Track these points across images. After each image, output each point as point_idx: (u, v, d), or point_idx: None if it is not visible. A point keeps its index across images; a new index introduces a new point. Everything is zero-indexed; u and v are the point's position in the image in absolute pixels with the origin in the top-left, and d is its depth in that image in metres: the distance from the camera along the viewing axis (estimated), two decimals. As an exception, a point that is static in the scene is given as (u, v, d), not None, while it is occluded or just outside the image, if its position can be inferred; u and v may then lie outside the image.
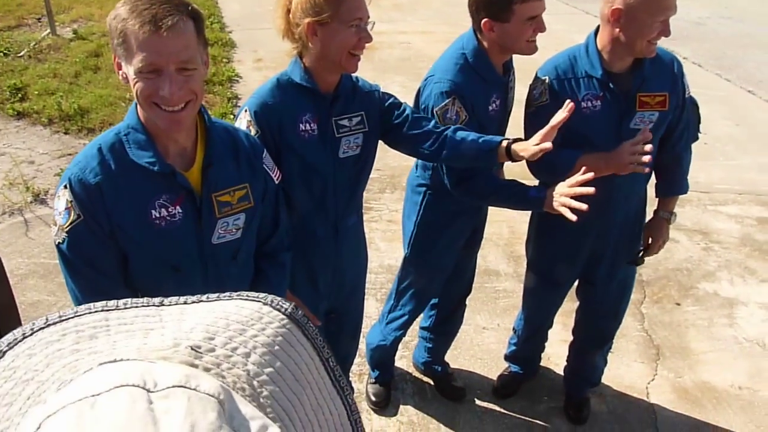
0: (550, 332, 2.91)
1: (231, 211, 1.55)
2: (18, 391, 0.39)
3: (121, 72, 1.37)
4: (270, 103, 1.85)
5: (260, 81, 6.51)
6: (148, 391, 0.35)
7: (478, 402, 2.90)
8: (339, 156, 1.96)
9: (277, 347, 0.44)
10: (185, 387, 0.36)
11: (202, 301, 0.47)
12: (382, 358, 2.83)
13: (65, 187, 1.41)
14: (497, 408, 2.87)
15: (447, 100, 2.11)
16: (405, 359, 3.09)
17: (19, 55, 6.72)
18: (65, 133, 5.22)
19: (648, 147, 1.99)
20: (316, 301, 2.14)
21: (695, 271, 3.89)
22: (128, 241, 1.46)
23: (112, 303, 0.45)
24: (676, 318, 3.48)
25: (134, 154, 1.42)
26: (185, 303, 0.47)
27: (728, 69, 7.38)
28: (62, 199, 1.42)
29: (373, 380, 2.88)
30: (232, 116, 5.45)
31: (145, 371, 0.36)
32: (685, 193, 2.49)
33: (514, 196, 2.16)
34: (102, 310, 0.45)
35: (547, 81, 2.22)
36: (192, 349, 0.41)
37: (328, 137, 1.92)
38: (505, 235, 4.11)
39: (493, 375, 3.01)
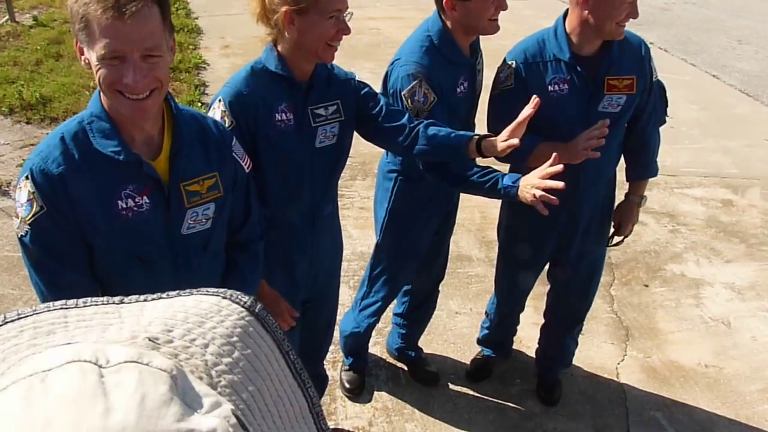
0: (521, 315, 2.94)
1: (200, 201, 1.51)
2: None
3: (83, 57, 1.32)
4: (245, 92, 1.81)
5: (228, 68, 6.44)
6: (100, 366, 0.35)
7: (451, 386, 2.92)
8: (316, 146, 1.93)
9: (235, 338, 0.44)
10: (137, 362, 0.36)
11: (162, 297, 0.47)
12: (356, 345, 2.83)
13: (27, 177, 1.36)
14: (471, 391, 2.90)
15: (414, 82, 2.10)
16: (379, 345, 3.10)
17: (-24, 42, 6.50)
18: (27, 123, 5.08)
19: (601, 140, 2.00)
20: (293, 292, 2.11)
21: (663, 253, 3.96)
22: (94, 232, 1.41)
23: (71, 301, 0.45)
24: (644, 299, 3.54)
25: (98, 143, 1.37)
26: (145, 300, 0.46)
27: (693, 54, 7.50)
28: (24, 190, 1.36)
29: (347, 367, 2.88)
30: (199, 104, 5.36)
31: (97, 350, 0.36)
32: (655, 176, 2.53)
33: (486, 183, 2.16)
34: (61, 308, 0.44)
35: (513, 65, 2.23)
36: (150, 340, 0.41)
37: (304, 127, 1.89)
38: (476, 220, 4.13)
39: (466, 359, 3.04)
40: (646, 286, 3.65)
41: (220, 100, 1.80)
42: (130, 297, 0.46)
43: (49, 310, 0.44)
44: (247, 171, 1.66)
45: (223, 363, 0.42)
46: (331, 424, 2.70)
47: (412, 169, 2.32)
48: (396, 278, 2.62)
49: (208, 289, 0.47)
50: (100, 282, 1.48)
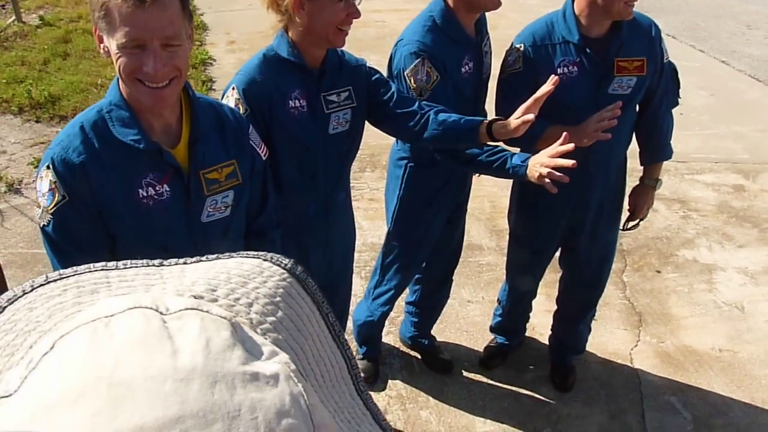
0: (534, 302, 2.94)
1: (219, 189, 1.52)
2: (20, 341, 0.39)
3: (102, 45, 1.32)
4: (258, 80, 1.81)
5: (234, 63, 6.44)
6: (161, 313, 0.35)
7: (465, 374, 2.92)
8: (329, 132, 1.93)
9: (278, 298, 0.44)
10: (198, 309, 0.36)
11: (201, 261, 0.47)
12: (369, 334, 2.84)
13: (48, 167, 1.36)
14: (484, 379, 2.90)
15: (416, 61, 2.09)
16: (392, 335, 3.10)
17: (-16, 43, 6.54)
18: (37, 122, 5.11)
19: (612, 121, 1.99)
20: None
21: (674, 239, 3.94)
22: (115, 221, 1.42)
23: (111, 264, 0.45)
24: (656, 285, 3.53)
25: (118, 132, 1.38)
26: (185, 263, 0.47)
27: (702, 40, 7.44)
28: (45, 180, 1.37)
29: (361, 356, 2.89)
30: (207, 99, 5.37)
31: (156, 298, 0.37)
32: (669, 158, 2.50)
33: (495, 163, 2.16)
34: (102, 270, 0.45)
35: (522, 48, 2.22)
36: (194, 297, 0.41)
37: (317, 113, 1.89)
38: (486, 209, 4.13)
39: (479, 347, 3.04)
40: (659, 272, 3.64)
41: (233, 88, 1.80)
42: (169, 260, 0.47)
43: (90, 271, 0.44)
44: (263, 159, 1.67)
45: (267, 322, 0.42)
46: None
47: (422, 156, 2.31)
48: (408, 266, 2.62)
49: (248, 252, 0.48)
50: None
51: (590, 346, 2.96)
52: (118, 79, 1.37)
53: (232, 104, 1.77)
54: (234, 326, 0.36)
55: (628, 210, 2.56)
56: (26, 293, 0.42)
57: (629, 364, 3.00)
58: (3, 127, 5.02)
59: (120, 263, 0.46)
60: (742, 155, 4.95)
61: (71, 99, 5.38)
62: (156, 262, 0.47)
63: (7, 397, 0.33)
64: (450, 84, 2.13)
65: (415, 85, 2.09)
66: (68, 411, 0.30)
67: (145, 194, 1.41)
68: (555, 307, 2.89)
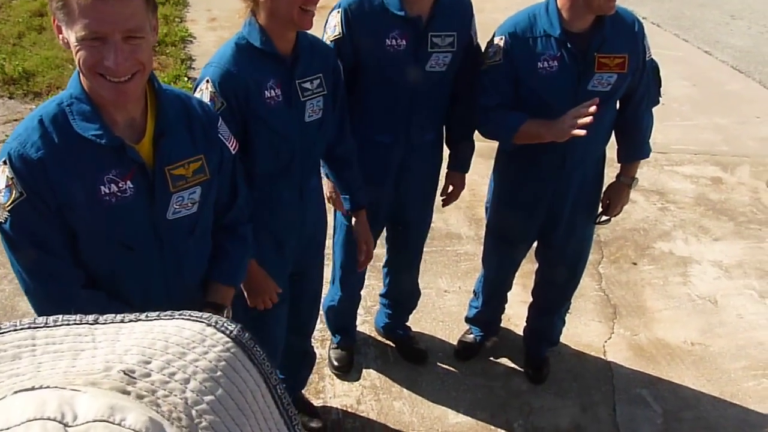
0: (509, 293, 2.94)
1: (186, 185, 1.47)
2: None
3: (61, 36, 1.27)
4: (234, 71, 1.77)
5: (215, 41, 6.32)
6: (66, 425, 0.31)
7: (439, 364, 2.92)
8: (305, 120, 1.92)
9: (219, 373, 0.40)
10: (107, 422, 0.32)
11: (140, 319, 0.43)
12: (337, 320, 2.84)
13: (4, 162, 1.30)
14: (458, 370, 2.91)
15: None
16: (367, 324, 3.09)
17: (-44, 14, 6.35)
18: (10, 98, 4.98)
19: (588, 118, 1.98)
20: (283, 266, 2.11)
21: (651, 231, 3.96)
22: (76, 219, 1.37)
23: (40, 320, 0.41)
24: (632, 277, 3.55)
25: (79, 126, 1.32)
26: (122, 321, 0.43)
27: (686, 29, 7.44)
28: (2, 175, 1.31)
29: (335, 345, 2.88)
30: (186, 78, 5.27)
31: (64, 402, 0.32)
32: (647, 157, 2.50)
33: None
34: (29, 328, 0.41)
35: (502, 40, 2.20)
36: (125, 373, 0.37)
37: (293, 102, 1.87)
38: (466, 197, 4.09)
39: (455, 337, 3.04)
40: (635, 264, 3.66)
41: (207, 81, 1.75)
42: (105, 316, 0.43)
43: (15, 330, 0.40)
44: (233, 152, 1.62)
45: (204, 401, 0.38)
46: (319, 403, 2.70)
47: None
48: (347, 245, 2.53)
49: (192, 313, 0.44)
50: (85, 269, 1.44)
51: (564, 338, 2.97)
52: (78, 72, 1.32)
53: (207, 98, 1.72)
54: None
55: (602, 206, 2.56)
56: None
57: (602, 357, 3.02)
58: (-26, 102, 4.89)
59: (50, 319, 0.42)
60: (721, 147, 4.97)
61: (46, 75, 5.25)
62: (91, 318, 0.43)
63: None
64: (373, 59, 2.15)
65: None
66: None
67: (107, 191, 1.36)
68: (530, 299, 2.89)
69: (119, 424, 0.32)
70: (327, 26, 2.16)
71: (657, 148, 2.45)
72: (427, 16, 2.13)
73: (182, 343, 0.41)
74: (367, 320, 3.11)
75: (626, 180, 2.50)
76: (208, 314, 0.44)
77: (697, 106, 5.59)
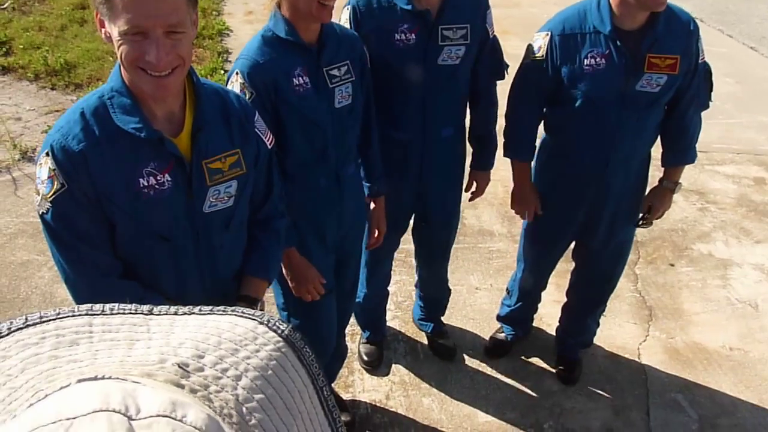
0: (543, 293, 2.90)
1: (222, 179, 1.48)
2: None
3: (103, 30, 1.28)
4: (261, 61, 1.80)
5: (251, 34, 6.33)
6: (130, 418, 0.32)
7: (469, 362, 2.91)
8: (335, 106, 1.93)
9: (270, 372, 0.41)
10: (170, 417, 0.32)
11: (194, 313, 0.44)
12: (366, 316, 2.85)
13: (47, 154, 1.33)
14: (488, 368, 2.88)
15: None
16: (397, 319, 3.09)
17: (2, 7, 6.52)
18: (52, 89, 5.10)
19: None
20: (325, 256, 2.13)
21: (690, 232, 3.87)
22: (115, 210, 1.39)
23: (97, 307, 0.42)
24: (669, 279, 3.47)
25: (119, 120, 1.34)
26: (175, 314, 0.43)
27: (731, 24, 7.23)
28: (44, 167, 1.34)
29: (365, 340, 2.89)
30: (222, 71, 5.33)
31: (127, 394, 0.33)
32: (692, 162, 2.41)
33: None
34: (86, 314, 0.41)
35: (548, 36, 2.15)
36: (179, 366, 0.38)
37: (321, 88, 1.88)
38: (499, 194, 4.07)
39: (486, 335, 3.02)
40: (672, 265, 3.58)
41: (237, 73, 1.78)
42: (159, 308, 0.44)
43: (73, 316, 0.41)
44: (269, 147, 1.63)
45: (255, 399, 0.39)
46: (347, 397, 2.71)
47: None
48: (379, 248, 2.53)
49: (245, 310, 0.45)
50: (123, 260, 1.47)
51: (598, 339, 2.92)
52: (119, 65, 1.33)
53: (237, 89, 1.74)
54: None
55: (643, 210, 2.48)
56: (2, 336, 0.39)
57: (636, 359, 2.96)
58: (19, 93, 5.02)
59: (107, 307, 0.42)
60: (765, 146, 4.82)
61: (87, 67, 5.37)
62: (145, 308, 0.43)
63: None
64: (383, 56, 2.13)
65: None
66: None
67: (146, 184, 1.38)
68: (564, 299, 2.85)
69: (181, 420, 0.33)
70: (339, 22, 2.14)
71: (698, 146, 2.36)
72: (436, 9, 2.10)
73: (235, 339, 0.41)
74: (398, 315, 3.10)
75: (669, 185, 2.42)
76: (261, 312, 0.45)
77: (740, 104, 5.43)
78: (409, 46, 2.10)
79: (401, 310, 3.13)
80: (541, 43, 2.18)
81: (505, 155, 2.45)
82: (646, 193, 2.47)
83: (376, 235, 2.32)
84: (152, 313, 0.43)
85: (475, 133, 2.47)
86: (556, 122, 2.34)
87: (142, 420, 0.32)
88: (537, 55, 2.19)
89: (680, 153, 2.37)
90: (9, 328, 0.40)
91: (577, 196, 2.39)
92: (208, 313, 0.44)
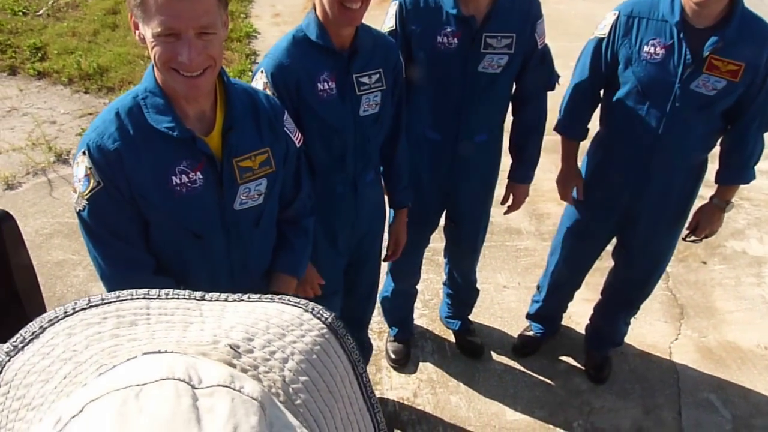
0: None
1: (252, 177, 1.51)
2: (55, 369, 0.39)
3: (137, 32, 1.32)
4: (286, 63, 1.80)
5: (278, 36, 6.36)
6: (193, 387, 0.34)
7: (497, 360, 2.90)
8: (359, 114, 1.92)
9: (314, 356, 0.43)
10: (229, 387, 0.35)
11: (243, 300, 0.47)
12: (394, 313, 2.85)
13: (84, 153, 1.37)
14: (517, 366, 2.87)
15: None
16: (425, 317, 3.10)
17: (37, 13, 6.68)
18: (85, 93, 5.21)
19: None
20: (335, 259, 2.14)
21: (723, 229, 3.75)
22: (149, 208, 1.43)
23: (154, 292, 0.45)
24: (701, 277, 3.41)
25: (153, 119, 1.38)
26: (226, 300, 0.46)
27: None
28: (81, 165, 1.38)
29: (392, 338, 2.90)
30: (250, 73, 5.38)
31: (190, 366, 0.36)
32: (746, 182, 2.26)
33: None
34: (144, 298, 0.44)
35: (616, 16, 2.13)
36: (231, 347, 0.41)
37: (347, 95, 1.87)
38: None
39: (513, 333, 3.01)
40: (704, 263, 3.52)
41: (262, 71, 1.80)
42: (211, 294, 0.46)
43: (132, 299, 0.44)
44: (297, 146, 1.65)
45: (300, 381, 0.41)
46: (375, 394, 2.73)
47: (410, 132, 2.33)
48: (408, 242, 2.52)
49: (290, 298, 0.47)
50: (156, 257, 1.50)
51: (628, 338, 2.89)
52: (153, 66, 1.37)
53: (260, 87, 1.76)
54: (264, 407, 0.35)
55: (688, 226, 2.39)
56: (67, 315, 0.42)
57: (668, 358, 2.92)
58: (53, 97, 5.14)
59: (162, 292, 0.45)
60: (801, 142, 4.70)
61: (119, 71, 5.47)
62: (198, 295, 0.46)
63: None
64: (424, 56, 2.13)
65: None
66: None
67: (178, 182, 1.41)
68: (594, 296, 2.83)
69: (239, 391, 0.35)
70: (386, 17, 2.16)
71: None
72: (482, 16, 2.07)
73: (282, 324, 0.44)
74: (425, 314, 3.11)
75: (719, 203, 2.29)
76: (306, 301, 0.47)
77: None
78: (450, 50, 2.08)
79: (428, 308, 3.13)
80: (607, 21, 2.16)
81: (554, 129, 2.41)
82: (695, 208, 2.38)
83: (392, 246, 2.32)
84: (204, 299, 0.46)
85: (515, 142, 2.41)
86: (607, 108, 2.30)
87: (204, 389, 0.34)
88: (600, 32, 2.18)
89: (735, 170, 2.23)
90: (74, 308, 0.43)
91: (618, 190, 2.34)
92: (257, 301, 0.46)
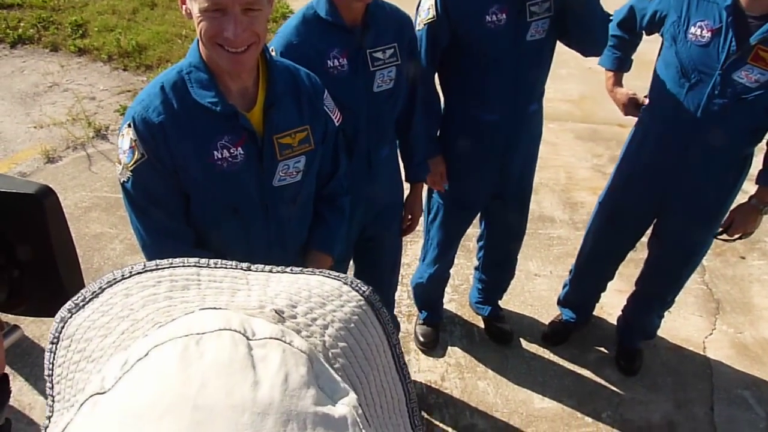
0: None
1: (292, 154, 1.52)
2: (113, 325, 0.42)
3: (184, 7, 1.33)
4: (295, 42, 1.79)
5: (315, 18, 6.41)
6: (248, 338, 0.37)
7: (526, 348, 2.88)
8: (373, 90, 1.90)
9: (352, 325, 0.46)
10: (280, 340, 0.38)
11: (286, 272, 0.49)
12: (425, 297, 2.85)
13: (129, 125, 1.39)
14: (546, 355, 2.85)
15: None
16: (454, 302, 3.09)
17: (79, -10, 6.78)
18: (124, 70, 5.29)
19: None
20: (349, 231, 2.11)
21: (763, 224, 3.67)
22: (190, 181, 1.45)
23: (204, 261, 0.48)
24: (739, 272, 3.34)
25: (196, 94, 1.39)
26: (270, 271, 0.49)
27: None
28: (126, 137, 1.40)
29: (422, 321, 2.90)
30: (286, 54, 5.40)
31: (244, 320, 0.38)
32: None
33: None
34: (194, 266, 0.47)
35: None
36: (276, 312, 0.43)
37: (360, 71, 1.86)
38: (562, 180, 4.00)
39: (544, 321, 2.98)
40: (743, 258, 3.44)
41: (272, 50, 1.78)
42: (256, 265, 0.49)
43: (184, 266, 0.47)
44: (336, 125, 1.65)
45: (338, 347, 0.44)
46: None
47: (465, 125, 2.32)
48: (446, 224, 2.55)
49: (330, 272, 0.50)
50: (195, 230, 1.52)
51: (661, 331, 2.84)
52: (198, 41, 1.38)
53: None
54: (311, 360, 0.37)
55: (723, 224, 2.32)
56: (125, 278, 0.45)
57: (701, 353, 2.87)
58: (93, 74, 5.23)
59: (212, 262, 0.48)
60: None
61: (156, 49, 5.54)
62: (244, 265, 0.49)
63: (102, 393, 0.35)
64: (468, 35, 2.10)
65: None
66: (154, 425, 0.32)
67: (219, 156, 1.42)
68: (627, 288, 2.79)
69: (289, 344, 0.38)
70: (420, 9, 2.12)
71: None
72: None
73: (323, 294, 0.47)
74: (455, 298, 3.10)
75: (757, 203, 2.22)
76: (345, 275, 0.50)
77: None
78: (501, 27, 2.07)
79: (458, 293, 3.13)
80: None
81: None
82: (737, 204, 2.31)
83: (409, 219, 2.31)
84: (250, 269, 0.48)
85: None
86: (651, 85, 2.26)
87: (257, 340, 0.37)
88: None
89: None
90: (130, 272, 0.46)
91: (653, 173, 2.29)
92: (299, 273, 0.49)
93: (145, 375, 0.35)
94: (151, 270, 0.46)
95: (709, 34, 1.98)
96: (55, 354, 0.45)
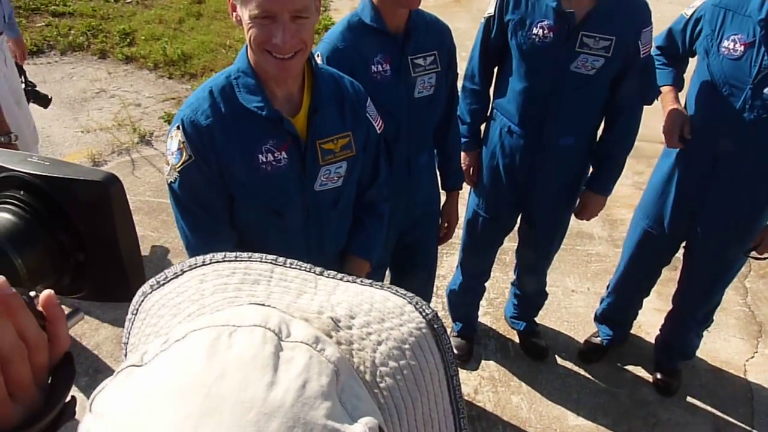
0: (644, 300, 2.79)
1: (334, 159, 1.55)
2: (184, 307, 0.45)
3: (235, 14, 1.38)
4: (340, 47, 1.84)
5: (355, 31, 6.49)
6: (280, 338, 0.37)
7: (561, 364, 2.85)
8: (414, 96, 1.94)
9: (407, 346, 0.45)
10: (310, 346, 0.37)
11: (356, 282, 0.49)
12: (458, 306, 2.85)
13: (178, 127, 1.44)
14: (582, 372, 2.82)
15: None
16: (489, 315, 3.08)
17: (127, 1, 7.00)
18: (169, 78, 5.43)
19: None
20: (387, 238, 2.11)
21: (810, 247, 3.60)
22: (235, 183, 1.49)
23: (281, 259, 0.49)
24: (783, 295, 3.25)
25: (243, 98, 1.44)
26: (341, 279, 0.49)
27: None
28: (175, 139, 1.45)
29: (456, 333, 2.90)
30: (326, 65, 5.47)
31: (283, 321, 0.39)
32: None
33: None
34: (270, 263, 0.48)
35: (699, 5, 2.11)
36: (332, 320, 0.43)
37: (402, 77, 1.90)
38: (600, 197, 3.95)
39: (580, 338, 2.95)
40: (787, 281, 3.35)
41: (318, 55, 1.83)
42: (328, 272, 0.49)
43: (261, 261, 0.48)
44: (378, 132, 1.68)
45: (389, 365, 0.43)
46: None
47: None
48: (473, 229, 2.58)
49: (398, 290, 0.49)
50: (238, 232, 1.56)
51: (700, 352, 2.79)
52: (247, 47, 1.42)
53: None
54: (338, 372, 0.37)
55: (755, 242, 2.28)
56: (204, 264, 0.47)
57: (742, 376, 2.80)
58: (139, 81, 5.38)
59: (288, 261, 0.49)
60: None
61: (201, 58, 5.67)
62: (318, 270, 0.49)
63: (139, 366, 0.37)
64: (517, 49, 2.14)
65: None
66: (165, 404, 0.33)
67: (264, 160, 1.46)
68: (664, 306, 2.74)
69: (319, 351, 0.37)
70: (489, 5, 2.19)
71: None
72: (583, 14, 2.01)
73: (384, 310, 0.46)
74: (489, 312, 3.09)
75: None
76: (412, 294, 0.49)
77: None
78: (545, 44, 2.04)
79: (493, 306, 3.11)
80: (695, 8, 2.13)
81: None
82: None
83: (445, 227, 2.32)
84: (322, 275, 0.49)
85: (601, 151, 2.31)
86: (686, 96, 2.26)
87: (289, 342, 0.37)
88: (687, 13, 2.15)
89: None
90: (210, 259, 0.48)
91: (683, 186, 2.28)
92: (368, 285, 0.49)
93: (177, 356, 0.36)
94: (230, 261, 0.47)
95: (741, 48, 1.97)
96: (132, 324, 0.47)
